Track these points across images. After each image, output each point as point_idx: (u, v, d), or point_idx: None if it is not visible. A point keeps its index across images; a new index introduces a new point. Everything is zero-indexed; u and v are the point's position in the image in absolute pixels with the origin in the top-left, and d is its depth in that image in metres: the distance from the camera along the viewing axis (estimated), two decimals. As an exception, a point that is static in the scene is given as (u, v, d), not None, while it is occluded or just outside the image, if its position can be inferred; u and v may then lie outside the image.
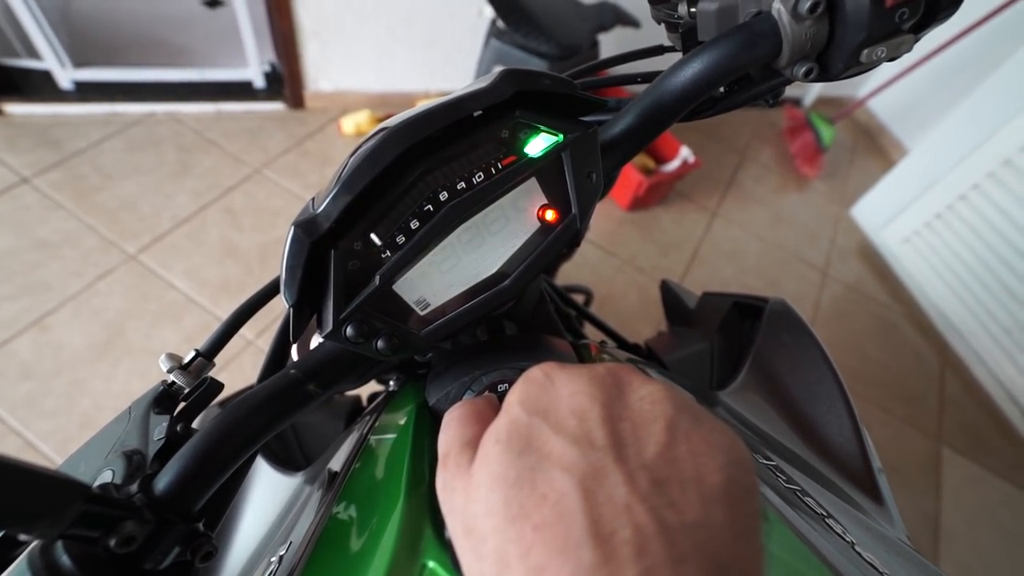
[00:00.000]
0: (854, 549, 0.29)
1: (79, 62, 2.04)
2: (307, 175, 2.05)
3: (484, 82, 0.31)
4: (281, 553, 0.33)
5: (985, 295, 1.87)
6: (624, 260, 2.07)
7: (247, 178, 1.99)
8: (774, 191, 2.55)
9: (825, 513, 0.32)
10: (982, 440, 1.83)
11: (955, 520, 1.62)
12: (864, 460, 0.40)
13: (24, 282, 1.57)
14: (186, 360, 0.35)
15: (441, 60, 2.26)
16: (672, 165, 2.15)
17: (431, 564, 0.25)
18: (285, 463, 0.46)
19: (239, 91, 2.22)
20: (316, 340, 0.38)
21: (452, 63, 2.27)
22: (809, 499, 0.32)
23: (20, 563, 0.23)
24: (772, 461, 0.36)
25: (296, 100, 2.24)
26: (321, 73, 2.19)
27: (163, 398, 0.34)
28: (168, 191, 1.89)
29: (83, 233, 1.72)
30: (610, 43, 1.92)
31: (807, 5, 0.29)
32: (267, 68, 2.25)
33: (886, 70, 2.71)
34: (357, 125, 2.18)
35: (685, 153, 2.14)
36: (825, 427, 0.43)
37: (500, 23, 1.73)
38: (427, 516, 0.27)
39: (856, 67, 0.32)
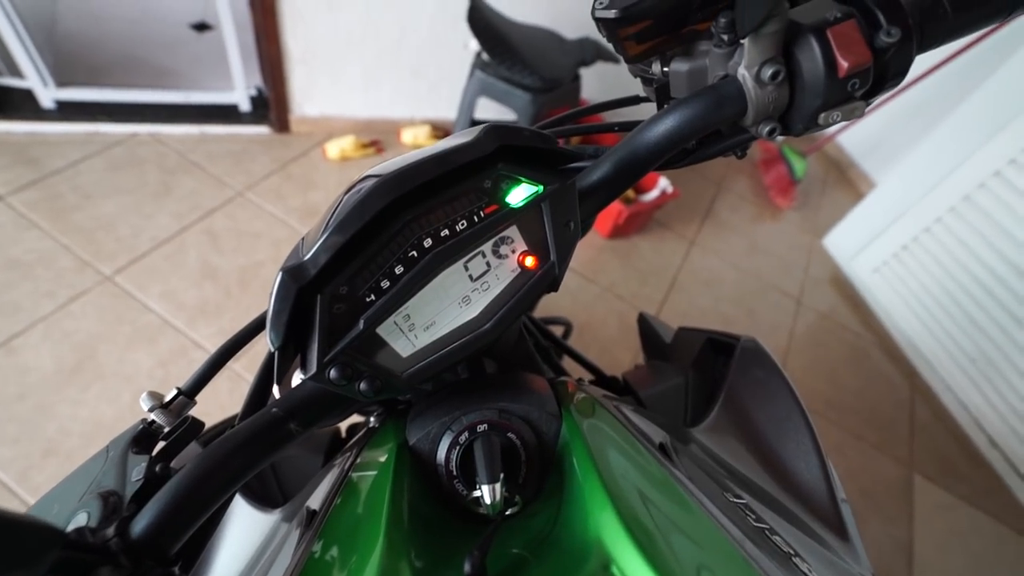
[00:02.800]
0: (818, 587, 0.30)
1: (62, 82, 2.03)
2: (290, 198, 2.05)
3: (468, 136, 0.33)
4: (257, 595, 0.33)
5: (950, 324, 1.94)
6: (604, 287, 2.10)
7: (229, 200, 1.98)
8: (750, 221, 2.63)
9: (792, 552, 0.33)
10: (951, 467, 1.87)
11: (927, 547, 1.65)
12: (831, 496, 0.42)
13: (-7, 303, 1.53)
14: (167, 399, 0.35)
15: (426, 89, 2.30)
16: (651, 195, 2.20)
17: (410, 607, 0.25)
18: (262, 499, 0.46)
19: (224, 114, 2.22)
20: (298, 377, 0.39)
21: (437, 92, 2.31)
22: (777, 538, 0.34)
23: None
24: (743, 499, 0.37)
25: (281, 124, 2.25)
26: (307, 98, 2.21)
27: (142, 437, 0.34)
28: (148, 212, 1.87)
29: (57, 253, 1.69)
30: (591, 76, 1.99)
31: (768, 73, 0.32)
32: (253, 92, 2.26)
33: (854, 107, 2.83)
34: (342, 150, 2.20)
35: (664, 183, 2.20)
36: (793, 462, 0.44)
37: (485, 56, 1.77)
38: (406, 558, 0.28)
39: (814, 127, 0.35)
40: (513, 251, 0.34)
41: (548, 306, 1.88)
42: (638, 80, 0.53)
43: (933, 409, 2.03)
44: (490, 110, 2.14)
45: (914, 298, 2.08)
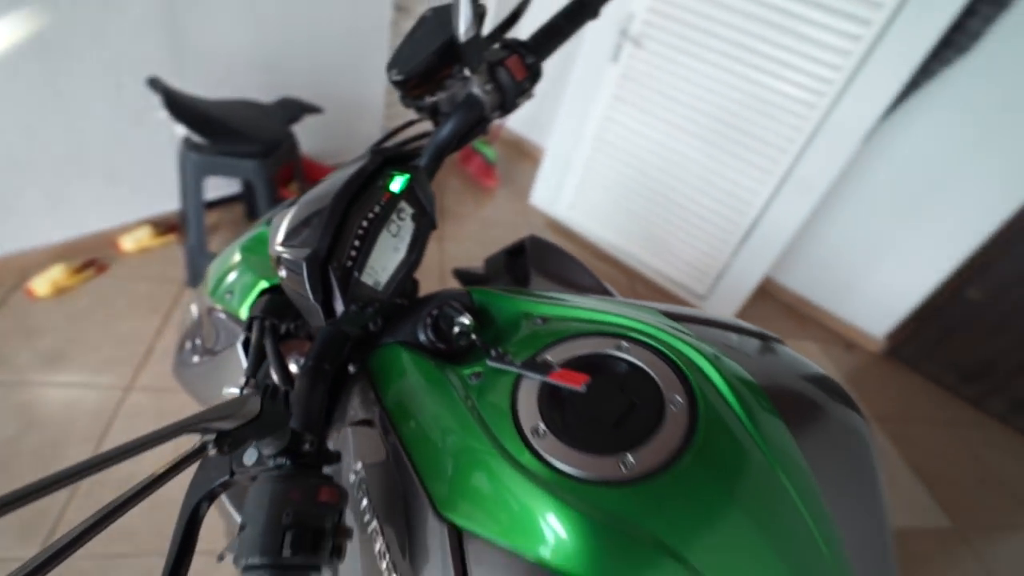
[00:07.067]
0: None
1: None
2: (17, 357, 1.73)
3: (362, 161, 0.57)
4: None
5: (640, 210, 2.77)
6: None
7: (-76, 392, 1.58)
8: (474, 206, 3.17)
9: None
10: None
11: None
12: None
13: None
14: None
15: (129, 190, 2.15)
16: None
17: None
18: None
19: None
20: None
21: (146, 188, 2.18)
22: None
23: None
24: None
25: (-51, 284, 1.84)
26: (-25, 244, 1.86)
27: None
28: None
29: None
30: (304, 130, 2.17)
31: (488, 87, 0.64)
32: None
33: (505, 99, 3.63)
34: (54, 282, 1.92)
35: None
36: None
37: (196, 138, 1.81)
38: (448, 369, 0.52)
39: (515, 107, 0.69)
40: (409, 215, 0.60)
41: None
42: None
43: (648, 285, 2.86)
44: (219, 185, 2.16)
45: (602, 212, 2.88)
